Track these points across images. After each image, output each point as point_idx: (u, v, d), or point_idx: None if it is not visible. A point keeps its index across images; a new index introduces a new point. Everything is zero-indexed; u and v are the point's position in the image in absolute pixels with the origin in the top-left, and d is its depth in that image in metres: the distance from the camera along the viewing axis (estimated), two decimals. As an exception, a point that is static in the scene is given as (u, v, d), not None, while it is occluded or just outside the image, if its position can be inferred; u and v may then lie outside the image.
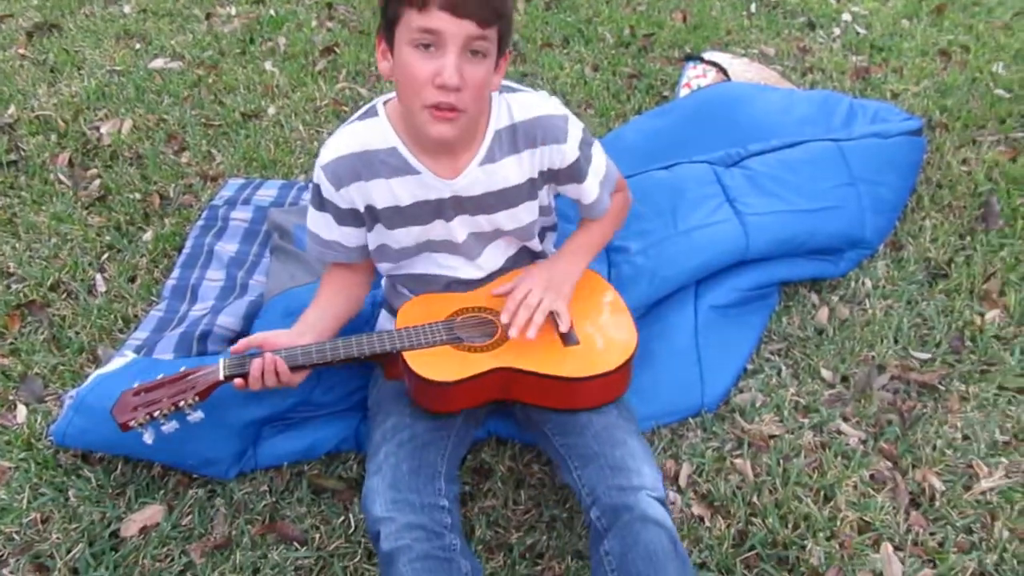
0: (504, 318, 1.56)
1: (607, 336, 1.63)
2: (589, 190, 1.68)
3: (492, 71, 1.42)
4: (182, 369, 1.51)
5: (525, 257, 1.77)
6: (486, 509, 1.78)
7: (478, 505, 1.79)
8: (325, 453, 1.85)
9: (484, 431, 1.88)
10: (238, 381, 1.50)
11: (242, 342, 1.54)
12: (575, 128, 1.59)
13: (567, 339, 1.60)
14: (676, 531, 1.42)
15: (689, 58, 3.15)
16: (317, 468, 1.85)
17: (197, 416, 1.50)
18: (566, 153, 1.58)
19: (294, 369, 1.51)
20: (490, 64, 1.40)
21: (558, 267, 1.67)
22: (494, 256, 1.71)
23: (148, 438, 1.48)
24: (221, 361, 1.51)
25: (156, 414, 1.45)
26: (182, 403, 1.47)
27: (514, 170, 1.58)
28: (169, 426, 1.49)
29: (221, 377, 1.50)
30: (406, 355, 1.53)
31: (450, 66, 1.33)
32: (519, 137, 1.56)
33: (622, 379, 1.61)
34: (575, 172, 1.63)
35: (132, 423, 1.44)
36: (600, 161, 1.68)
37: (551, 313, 1.60)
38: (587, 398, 1.59)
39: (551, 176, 1.64)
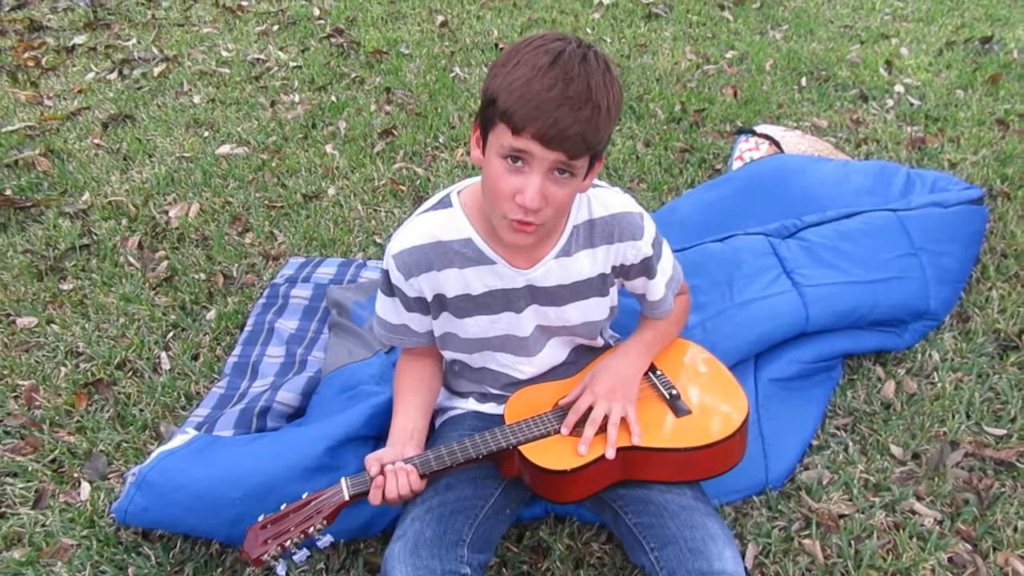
0: (564, 431, 1.54)
1: (717, 401, 1.61)
2: (657, 287, 1.67)
3: (579, 186, 1.40)
4: (304, 496, 1.49)
5: (585, 353, 1.76)
6: (544, 591, 1.74)
7: (536, 586, 1.75)
8: (382, 531, 1.83)
9: (542, 508, 1.85)
10: (373, 494, 1.47)
11: (370, 465, 1.50)
12: (650, 225, 1.59)
13: (678, 409, 1.59)
14: None
15: (741, 131, 3.17)
16: (374, 545, 1.83)
17: (326, 540, 1.49)
18: (640, 249, 1.59)
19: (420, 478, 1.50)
20: (578, 180, 1.37)
21: (622, 368, 1.63)
22: (554, 352, 1.71)
23: (281, 570, 1.46)
24: (343, 481, 1.49)
25: (287, 544, 1.43)
26: (311, 529, 1.45)
27: (587, 264, 1.58)
28: (300, 554, 1.47)
29: (347, 497, 1.47)
30: (523, 449, 1.52)
31: (533, 188, 1.31)
32: (596, 233, 1.56)
33: (741, 443, 1.59)
34: (646, 267, 1.63)
35: (265, 557, 1.42)
36: (668, 261, 1.69)
37: (656, 381, 1.61)
38: (709, 467, 1.56)
39: (622, 272, 1.64)
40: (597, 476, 1.52)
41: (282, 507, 1.48)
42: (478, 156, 1.42)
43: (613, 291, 1.67)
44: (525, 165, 1.32)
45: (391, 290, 1.61)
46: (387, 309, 1.65)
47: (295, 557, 1.47)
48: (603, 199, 1.56)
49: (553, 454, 1.50)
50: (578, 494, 1.54)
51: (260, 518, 1.47)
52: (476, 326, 1.61)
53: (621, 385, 1.58)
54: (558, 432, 1.55)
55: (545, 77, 1.27)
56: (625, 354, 1.67)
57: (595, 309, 1.64)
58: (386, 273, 1.59)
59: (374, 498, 1.47)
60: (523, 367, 1.69)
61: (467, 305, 1.58)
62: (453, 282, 1.56)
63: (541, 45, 1.30)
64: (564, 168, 1.33)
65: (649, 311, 1.73)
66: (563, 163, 1.31)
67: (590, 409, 1.56)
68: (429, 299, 1.59)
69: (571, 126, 1.27)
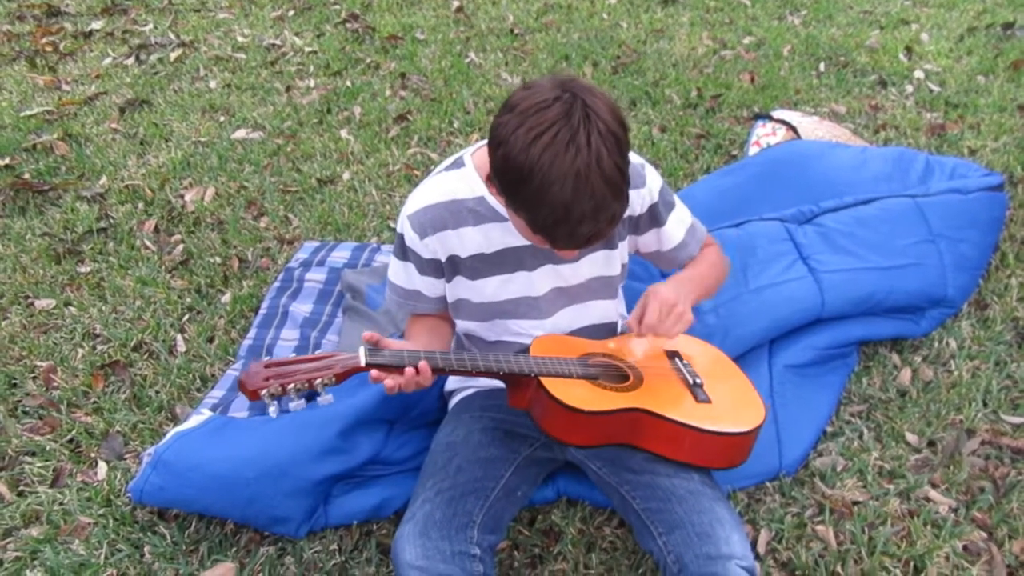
0: (635, 350, 1.59)
1: (736, 401, 1.62)
2: (671, 234, 1.69)
3: None
4: (317, 352, 1.48)
5: (595, 334, 1.74)
6: (556, 573, 1.74)
7: (548, 569, 1.75)
8: (394, 512, 1.84)
9: (554, 491, 1.85)
10: (374, 373, 1.44)
11: (366, 336, 1.49)
12: (652, 174, 1.62)
13: (697, 396, 1.59)
14: None
15: (758, 117, 3.14)
16: (386, 527, 1.84)
17: (327, 399, 1.45)
18: (644, 198, 1.62)
19: (434, 372, 1.47)
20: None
21: (669, 295, 1.57)
22: (568, 320, 1.70)
23: (273, 412, 1.43)
24: (362, 349, 1.47)
25: (290, 387, 1.41)
26: (318, 381, 1.42)
27: None
28: (297, 403, 1.44)
29: (363, 363, 1.45)
30: (545, 381, 1.50)
31: (570, 253, 1.50)
32: None
33: (748, 445, 1.58)
34: (655, 216, 1.65)
35: (263, 392, 1.38)
36: (684, 212, 1.72)
37: (681, 367, 1.63)
38: (712, 455, 1.56)
39: (632, 225, 1.66)
40: (607, 427, 1.51)
41: (290, 355, 1.45)
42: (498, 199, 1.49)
43: (623, 246, 1.68)
44: None
45: (405, 254, 1.62)
46: (399, 274, 1.66)
47: (291, 404, 1.43)
48: None
49: (575, 394, 1.49)
50: (583, 439, 1.53)
51: (265, 358, 1.44)
52: (489, 288, 1.62)
53: (681, 296, 1.55)
54: (580, 377, 1.54)
55: (573, 212, 1.29)
56: (665, 284, 1.62)
57: (605, 263, 1.66)
58: (401, 236, 1.60)
59: (377, 374, 1.43)
60: (536, 333, 1.68)
61: (481, 265, 1.59)
62: (467, 241, 1.57)
63: (560, 155, 1.27)
64: None
65: (670, 263, 1.74)
66: None
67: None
68: (443, 260, 1.60)
69: (604, 231, 1.34)
